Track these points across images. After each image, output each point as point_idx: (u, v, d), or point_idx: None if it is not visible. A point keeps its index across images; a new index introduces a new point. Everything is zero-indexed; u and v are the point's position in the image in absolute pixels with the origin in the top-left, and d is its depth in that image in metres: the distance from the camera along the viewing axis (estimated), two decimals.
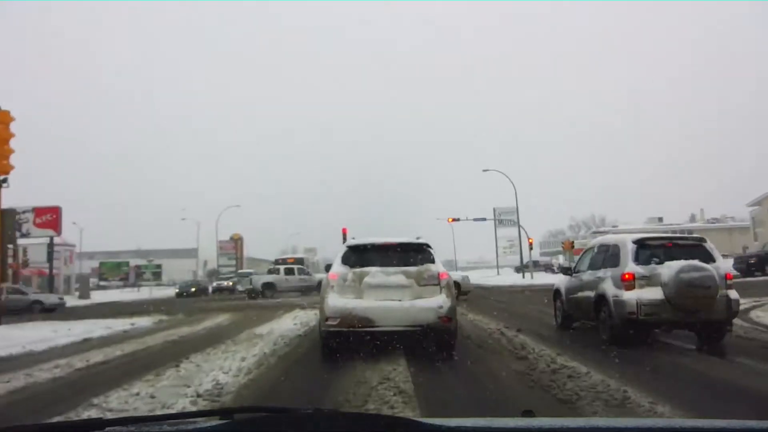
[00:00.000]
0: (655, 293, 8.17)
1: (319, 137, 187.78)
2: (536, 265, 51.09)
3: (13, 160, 14.36)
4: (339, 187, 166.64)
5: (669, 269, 8.08)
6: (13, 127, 14.35)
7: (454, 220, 51.40)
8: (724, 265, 8.67)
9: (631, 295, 8.26)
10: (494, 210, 60.90)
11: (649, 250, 8.72)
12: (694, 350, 8.10)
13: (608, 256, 9.32)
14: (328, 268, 8.22)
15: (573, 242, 44.60)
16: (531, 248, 47.62)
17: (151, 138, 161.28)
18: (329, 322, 7.31)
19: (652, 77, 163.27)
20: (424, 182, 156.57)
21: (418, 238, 8.36)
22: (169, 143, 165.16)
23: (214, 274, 74.28)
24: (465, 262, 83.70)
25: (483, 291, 26.47)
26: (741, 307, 9.14)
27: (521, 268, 49.15)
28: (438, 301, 7.34)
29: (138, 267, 70.18)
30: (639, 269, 8.40)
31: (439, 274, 7.63)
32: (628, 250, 8.69)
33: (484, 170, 49.04)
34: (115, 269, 67.66)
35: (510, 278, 45.83)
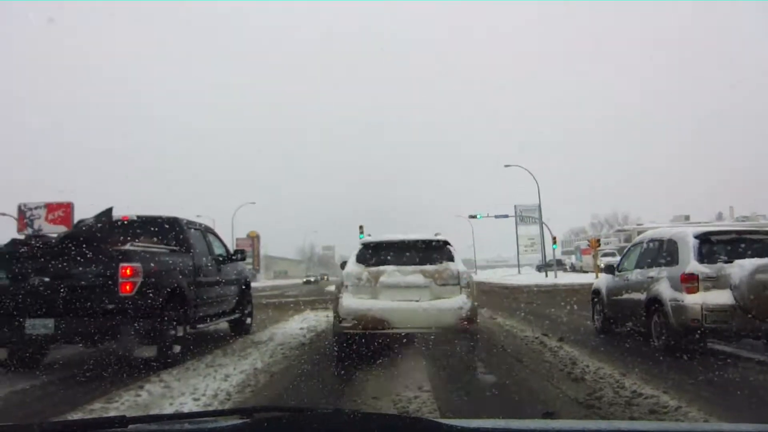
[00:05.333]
0: (723, 297, 6.77)
1: (338, 137, 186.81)
2: (559, 264, 49.33)
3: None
4: (357, 185, 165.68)
5: (741, 269, 6.67)
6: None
7: (473, 216, 50.07)
8: None
9: (694, 300, 6.87)
10: (515, 207, 59.10)
11: (715, 245, 7.33)
12: None
13: (662, 252, 7.91)
14: (343, 266, 7.84)
15: (599, 240, 42.48)
16: (555, 246, 45.78)
17: (168, 136, 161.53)
18: (343, 324, 6.86)
19: (675, 69, 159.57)
20: (442, 181, 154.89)
21: (437, 235, 7.83)
22: (185, 141, 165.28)
23: None
24: (484, 261, 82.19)
25: (506, 291, 24.99)
26: None
27: (543, 267, 47.62)
28: (458, 302, 6.84)
29: None
30: (703, 269, 6.99)
31: (459, 273, 7.09)
32: (689, 245, 7.28)
33: (506, 165, 46.94)
34: None
35: (532, 277, 44.19)
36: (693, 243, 7.26)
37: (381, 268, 7.10)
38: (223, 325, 9.86)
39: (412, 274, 6.95)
